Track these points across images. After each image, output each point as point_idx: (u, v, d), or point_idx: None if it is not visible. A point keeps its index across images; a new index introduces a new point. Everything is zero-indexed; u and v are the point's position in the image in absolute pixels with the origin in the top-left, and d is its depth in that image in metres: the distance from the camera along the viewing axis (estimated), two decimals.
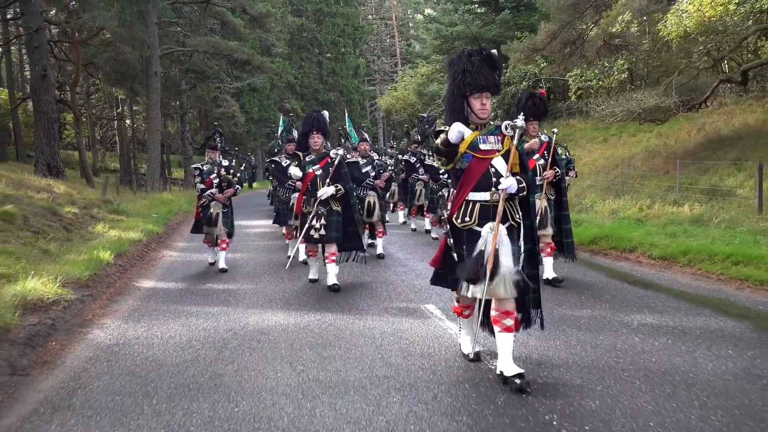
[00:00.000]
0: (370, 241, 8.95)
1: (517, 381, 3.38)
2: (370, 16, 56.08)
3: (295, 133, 9.22)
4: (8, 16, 24.32)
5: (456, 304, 4.05)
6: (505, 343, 3.55)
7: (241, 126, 29.35)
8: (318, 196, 6.21)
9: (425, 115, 11.99)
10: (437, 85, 27.86)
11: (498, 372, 3.57)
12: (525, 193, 3.68)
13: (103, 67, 23.06)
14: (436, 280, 4.01)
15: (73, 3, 16.96)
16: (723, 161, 13.22)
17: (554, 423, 3.04)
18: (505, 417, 3.11)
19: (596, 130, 22.29)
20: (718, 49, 14.16)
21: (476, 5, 26.73)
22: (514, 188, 3.50)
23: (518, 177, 3.61)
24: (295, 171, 6.38)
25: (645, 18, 13.98)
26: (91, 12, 19.03)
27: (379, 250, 8.63)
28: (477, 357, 3.97)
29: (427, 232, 11.15)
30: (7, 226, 7.68)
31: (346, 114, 14.66)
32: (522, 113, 3.93)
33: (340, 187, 6.29)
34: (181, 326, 5.09)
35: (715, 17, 12.86)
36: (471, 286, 3.52)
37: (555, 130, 6.52)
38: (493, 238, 3.47)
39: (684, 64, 14.25)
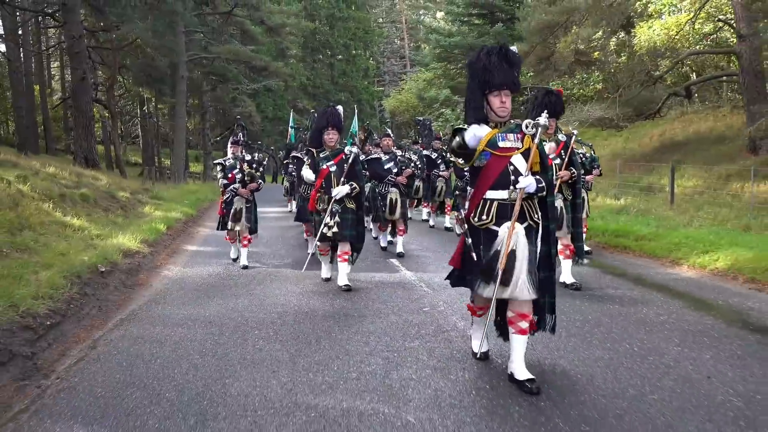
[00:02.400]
0: (390, 239, 9.01)
1: (528, 385, 3.42)
2: (380, 20, 58.41)
3: None
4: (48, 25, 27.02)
5: (471, 302, 3.96)
6: (518, 345, 3.55)
7: (258, 125, 31.92)
8: (333, 195, 6.12)
9: (422, 118, 14.14)
10: (436, 90, 30.30)
11: (509, 372, 3.58)
12: (544, 193, 3.59)
13: (134, 71, 25.70)
14: (455, 282, 3.93)
15: (112, 16, 19.47)
16: (664, 163, 15.60)
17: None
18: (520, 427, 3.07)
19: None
20: (656, 69, 16.57)
21: (474, 17, 29.12)
22: (533, 188, 3.44)
23: (537, 176, 3.53)
24: (308, 174, 6.31)
25: (597, 41, 16.39)
26: (129, 24, 21.69)
27: (399, 249, 8.50)
28: (485, 356, 3.95)
29: (447, 229, 11.10)
30: (86, 205, 10.25)
31: (355, 114, 15.52)
32: (546, 111, 3.77)
33: (355, 185, 6.22)
34: (222, 269, 7.65)
35: (664, 42, 15.29)
36: (487, 286, 3.47)
37: (575, 131, 6.47)
38: (508, 238, 3.42)
39: (627, 81, 16.65)
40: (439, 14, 42.39)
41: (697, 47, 17.06)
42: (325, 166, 6.19)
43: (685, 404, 3.34)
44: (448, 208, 11.34)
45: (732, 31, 15.45)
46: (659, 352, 4.22)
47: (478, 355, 3.93)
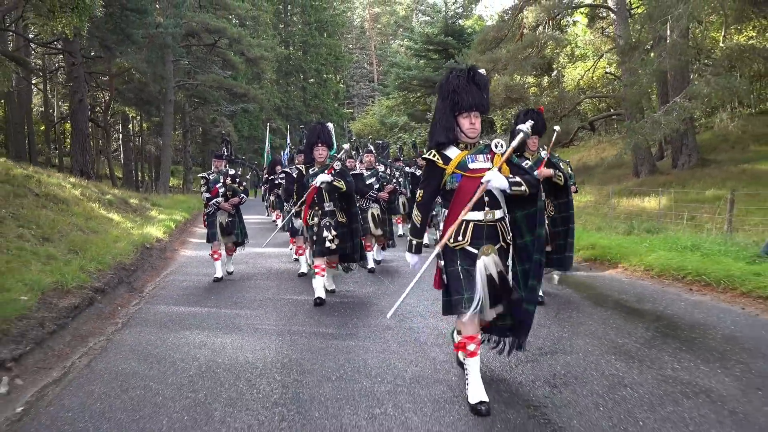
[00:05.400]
0: (376, 259, 8.80)
1: (481, 408, 3.30)
2: (350, 45, 62.29)
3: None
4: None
5: (457, 337, 3.76)
6: (472, 367, 3.47)
7: (235, 143, 35.13)
8: (316, 184, 6.13)
9: (380, 141, 17.29)
10: (396, 116, 34.07)
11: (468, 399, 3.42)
12: (525, 191, 3.47)
13: (127, 94, 28.84)
14: (445, 310, 3.69)
15: (117, 51, 22.59)
16: None
17: None
18: None
19: None
20: (579, 104, 20.54)
21: (430, 52, 33.01)
22: (502, 184, 3.37)
23: (520, 177, 3.48)
24: (323, 177, 6.13)
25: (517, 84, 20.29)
26: (125, 55, 24.86)
27: (378, 257, 8.74)
28: (487, 409, 3.34)
29: (426, 246, 12.47)
30: (111, 207, 13.46)
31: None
32: (531, 121, 3.85)
33: (340, 180, 6.15)
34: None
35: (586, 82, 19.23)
36: (468, 309, 3.35)
37: (557, 128, 6.51)
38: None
39: (549, 115, 20.63)
40: (397, 42, 46.10)
41: (604, 90, 21.14)
42: (315, 182, 6.17)
43: None
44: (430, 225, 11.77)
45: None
46: None
47: (478, 409, 3.33)
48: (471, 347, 3.50)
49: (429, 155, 3.62)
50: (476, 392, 3.42)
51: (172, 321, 5.71)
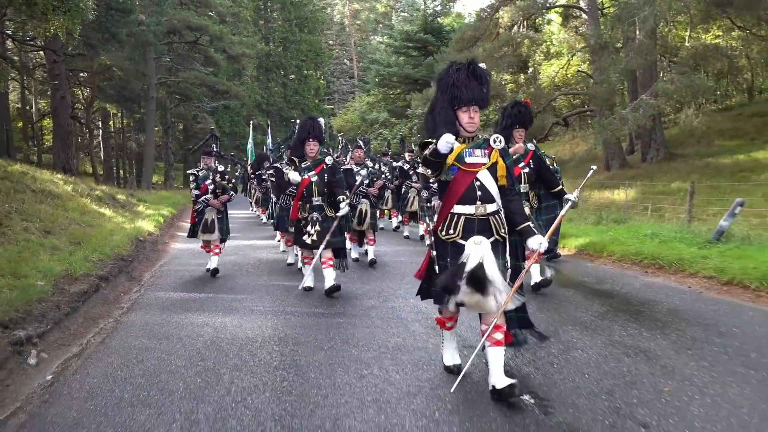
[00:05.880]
0: (362, 249, 8.95)
1: (509, 390, 3.29)
2: (330, 42, 62.58)
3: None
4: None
5: (439, 314, 3.93)
6: (495, 357, 3.47)
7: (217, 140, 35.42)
8: (337, 215, 6.31)
9: (361, 137, 17.92)
10: (376, 113, 34.64)
11: (490, 388, 3.44)
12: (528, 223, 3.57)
13: (108, 91, 28.98)
14: (422, 294, 3.89)
15: (102, 51, 22.79)
16: None
17: None
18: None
19: None
20: (554, 100, 21.31)
21: (410, 49, 33.59)
22: (544, 247, 3.51)
23: (528, 226, 3.56)
24: (294, 176, 6.34)
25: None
26: (108, 53, 25.02)
27: (371, 256, 8.59)
28: (458, 369, 3.76)
29: (422, 238, 11.05)
30: (101, 203, 13.83)
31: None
32: (577, 190, 3.78)
33: (349, 201, 6.41)
34: None
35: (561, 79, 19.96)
36: (452, 298, 3.42)
37: (594, 167, 6.00)
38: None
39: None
40: (377, 39, 46.58)
41: (578, 87, 21.97)
42: (306, 176, 6.32)
43: None
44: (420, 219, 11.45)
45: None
46: None
47: (452, 369, 3.83)
48: (449, 324, 3.92)
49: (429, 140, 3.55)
50: (448, 357, 3.97)
51: (173, 305, 6.21)
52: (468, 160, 3.54)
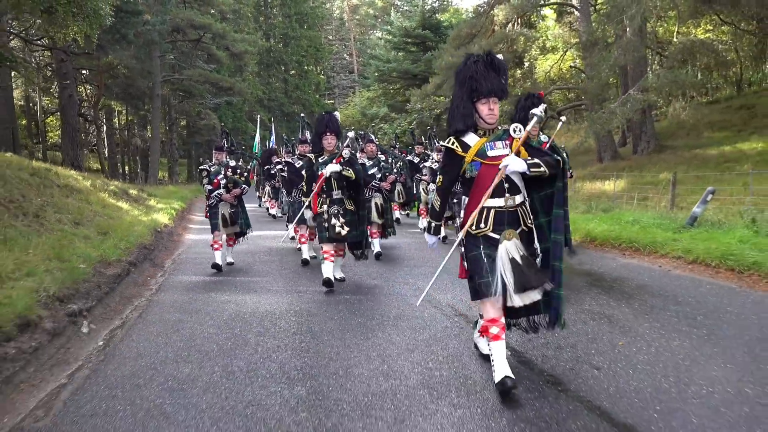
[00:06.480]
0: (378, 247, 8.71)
1: (506, 381, 3.25)
2: (330, 37, 63.13)
3: (308, 135, 9.21)
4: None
5: (480, 320, 3.77)
6: (497, 351, 3.44)
7: (219, 135, 36.14)
8: (326, 173, 6.25)
9: (363, 132, 18.49)
10: (376, 108, 35.32)
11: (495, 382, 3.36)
12: (545, 172, 3.43)
13: (115, 89, 29.66)
14: (473, 295, 3.69)
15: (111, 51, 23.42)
16: None
17: None
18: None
19: None
20: (550, 94, 21.96)
21: (409, 45, 34.23)
22: (520, 167, 3.37)
23: (539, 158, 3.46)
24: (332, 167, 6.23)
25: None
26: (115, 52, 25.66)
27: (377, 249, 8.54)
28: (515, 384, 3.31)
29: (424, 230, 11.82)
30: (116, 197, 14.56)
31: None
32: (543, 104, 3.83)
33: (349, 169, 6.24)
34: None
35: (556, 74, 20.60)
36: (488, 293, 3.40)
37: (563, 118, 6.78)
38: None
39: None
40: (376, 35, 47.09)
41: (572, 82, 22.66)
42: (325, 171, 6.28)
43: None
44: (422, 212, 11.67)
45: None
46: None
47: (509, 384, 3.27)
48: (494, 330, 3.49)
49: (448, 143, 3.65)
50: (501, 371, 3.35)
51: (197, 287, 6.96)
52: (490, 153, 3.53)
